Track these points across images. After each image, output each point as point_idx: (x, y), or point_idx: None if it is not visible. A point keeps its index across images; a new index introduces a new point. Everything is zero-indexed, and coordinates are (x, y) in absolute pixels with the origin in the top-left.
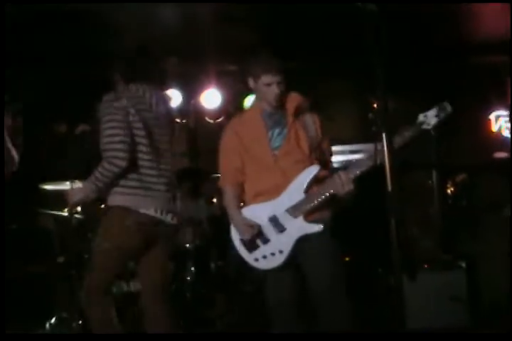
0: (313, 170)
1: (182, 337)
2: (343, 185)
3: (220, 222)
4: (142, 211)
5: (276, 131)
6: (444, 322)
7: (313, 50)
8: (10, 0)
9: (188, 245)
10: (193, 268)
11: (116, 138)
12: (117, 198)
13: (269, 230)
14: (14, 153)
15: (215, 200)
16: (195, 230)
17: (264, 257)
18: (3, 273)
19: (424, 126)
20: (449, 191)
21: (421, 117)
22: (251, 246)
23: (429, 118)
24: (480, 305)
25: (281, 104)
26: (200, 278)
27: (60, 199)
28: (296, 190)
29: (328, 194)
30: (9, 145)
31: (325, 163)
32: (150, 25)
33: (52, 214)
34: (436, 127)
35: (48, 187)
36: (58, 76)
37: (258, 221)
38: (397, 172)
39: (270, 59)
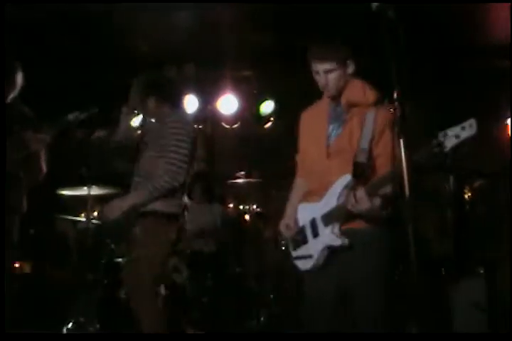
0: (345, 179)
1: (183, 337)
2: (355, 204)
3: (237, 227)
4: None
5: (335, 126)
6: (464, 329)
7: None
8: (10, 0)
9: (205, 251)
10: (209, 274)
11: (183, 158)
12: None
13: (308, 232)
14: (44, 165)
15: (231, 205)
16: (212, 236)
17: (301, 258)
18: (3, 273)
19: (437, 150)
20: (466, 196)
21: (440, 136)
22: (294, 243)
23: (448, 138)
24: (499, 311)
25: (338, 95)
26: (217, 284)
27: (77, 204)
28: (331, 197)
29: (346, 209)
30: (43, 160)
31: (371, 168)
32: (166, 31)
33: (70, 219)
34: (453, 149)
35: (66, 192)
36: (74, 81)
37: (302, 221)
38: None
39: (319, 45)
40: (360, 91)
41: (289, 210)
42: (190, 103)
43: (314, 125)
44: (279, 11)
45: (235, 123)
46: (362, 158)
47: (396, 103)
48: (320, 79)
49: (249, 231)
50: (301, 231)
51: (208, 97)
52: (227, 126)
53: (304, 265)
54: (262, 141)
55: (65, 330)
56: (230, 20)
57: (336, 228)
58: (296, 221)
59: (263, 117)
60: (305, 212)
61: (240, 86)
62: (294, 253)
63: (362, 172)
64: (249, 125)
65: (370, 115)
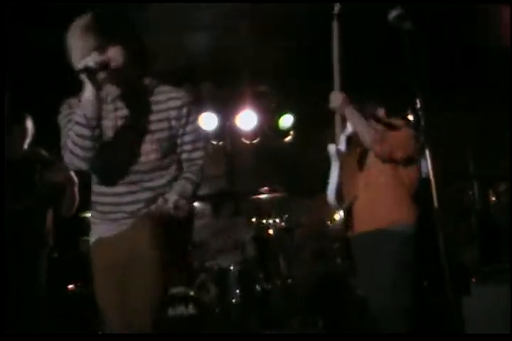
0: None
1: (183, 337)
2: None
3: (263, 243)
4: None
5: None
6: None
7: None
8: (10, 0)
9: (231, 267)
10: (237, 291)
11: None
12: None
13: None
14: (77, 195)
15: (254, 220)
16: (238, 252)
17: None
18: (3, 273)
19: None
20: (490, 201)
21: None
22: None
23: None
24: None
25: None
26: (245, 301)
27: None
28: None
29: None
30: (75, 191)
31: None
32: (183, 50)
33: None
34: None
35: (88, 215)
36: None
37: None
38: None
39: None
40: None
41: None
42: (209, 120)
43: None
44: (294, 25)
45: (255, 139)
46: None
47: (420, 113)
48: None
49: (275, 245)
50: None
51: (226, 114)
52: (247, 142)
53: None
54: (282, 155)
55: None
56: (246, 34)
57: None
58: None
59: (283, 131)
60: None
61: (258, 101)
62: None
63: None
64: (269, 139)
65: None
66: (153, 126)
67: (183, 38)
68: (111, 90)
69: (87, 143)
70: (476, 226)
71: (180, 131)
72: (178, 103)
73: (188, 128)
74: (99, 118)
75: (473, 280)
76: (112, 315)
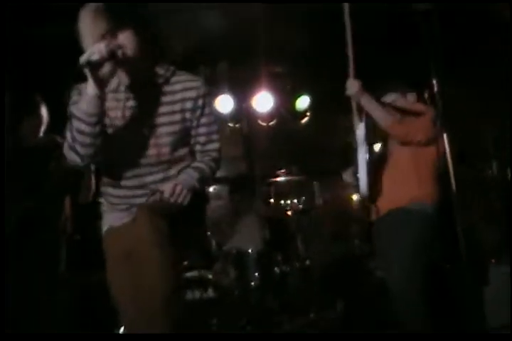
0: None
1: (184, 337)
2: None
3: (281, 225)
4: None
5: None
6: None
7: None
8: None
9: (250, 250)
10: (256, 274)
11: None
12: None
13: None
14: (93, 183)
15: (271, 201)
16: (256, 234)
17: None
18: (3, 273)
19: None
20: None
21: None
22: None
23: None
24: None
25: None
26: (264, 283)
27: None
28: None
29: None
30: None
31: None
32: (199, 29)
33: None
34: None
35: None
36: None
37: None
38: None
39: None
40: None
41: None
42: (225, 102)
43: None
44: (312, 7)
45: (272, 121)
46: None
47: (437, 97)
48: None
49: (293, 227)
50: None
51: (242, 96)
52: (264, 124)
53: None
54: (299, 137)
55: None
56: (263, 16)
57: None
58: None
59: (299, 113)
60: None
61: (274, 82)
62: None
63: None
64: (285, 121)
65: None
66: (165, 119)
67: (198, 18)
68: (123, 78)
69: (87, 140)
70: (496, 207)
71: (195, 122)
72: (193, 94)
73: (203, 120)
74: (101, 114)
75: (493, 261)
76: (125, 304)
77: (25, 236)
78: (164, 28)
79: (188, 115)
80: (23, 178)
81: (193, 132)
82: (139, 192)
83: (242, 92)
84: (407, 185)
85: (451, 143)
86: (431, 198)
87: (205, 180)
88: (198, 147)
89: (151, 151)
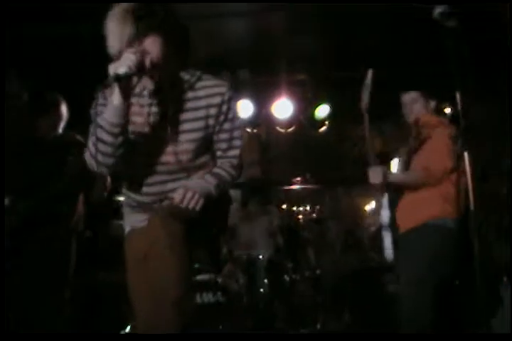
0: None
1: (185, 337)
2: None
3: (293, 232)
4: None
5: None
6: None
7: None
8: (10, 0)
9: (261, 256)
10: (266, 280)
11: None
12: None
13: None
14: (108, 183)
15: (284, 207)
16: (267, 241)
17: None
18: (3, 273)
19: None
20: None
21: None
22: None
23: None
24: None
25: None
26: (273, 291)
27: None
28: None
29: None
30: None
31: None
32: (223, 35)
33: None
34: None
35: (121, 198)
36: None
37: None
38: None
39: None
40: None
41: None
42: (245, 107)
43: None
44: (333, 14)
45: (290, 127)
46: None
47: (460, 113)
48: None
49: (305, 236)
50: None
51: (262, 102)
52: (282, 130)
53: None
54: (316, 145)
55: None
56: (285, 24)
57: None
58: None
59: (318, 121)
60: None
61: (295, 90)
62: None
63: None
64: (304, 129)
65: None
66: (188, 125)
67: (221, 24)
68: (148, 84)
69: (108, 150)
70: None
71: (217, 127)
72: (218, 100)
73: (226, 125)
74: (125, 124)
75: (505, 279)
76: (140, 304)
77: (36, 231)
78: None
79: (211, 121)
80: (36, 173)
81: (214, 137)
82: (159, 198)
83: (263, 98)
84: (429, 202)
85: (471, 160)
86: (453, 214)
87: (223, 186)
88: (219, 153)
89: (172, 158)
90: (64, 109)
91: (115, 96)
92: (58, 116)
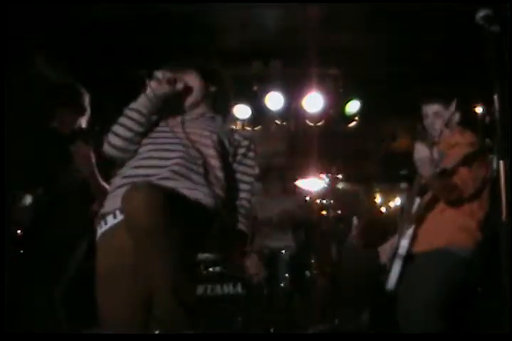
0: None
1: (185, 337)
2: None
3: (315, 227)
4: None
5: None
6: None
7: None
8: (10, 0)
9: (283, 251)
10: (286, 275)
11: None
12: None
13: None
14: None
15: (307, 199)
16: (289, 235)
17: None
18: (3, 273)
19: None
20: None
21: None
22: None
23: None
24: None
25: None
26: (293, 285)
27: None
28: None
29: None
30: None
31: None
32: (253, 27)
33: None
34: None
35: None
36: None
37: None
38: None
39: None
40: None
41: None
42: (276, 99)
43: None
44: (370, 11)
45: (319, 122)
46: None
47: (498, 121)
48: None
49: (328, 232)
50: None
51: (293, 95)
52: (311, 124)
53: None
54: (345, 141)
55: None
56: (320, 17)
57: None
58: None
59: (348, 116)
60: None
61: (326, 84)
62: None
63: None
64: (333, 124)
65: None
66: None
67: (254, 14)
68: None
69: (127, 134)
70: None
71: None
72: (246, 143)
73: (245, 161)
74: (149, 120)
75: None
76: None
77: (47, 227)
78: (222, 25)
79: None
80: (48, 165)
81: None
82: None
83: (294, 91)
84: (447, 227)
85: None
86: (470, 242)
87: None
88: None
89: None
90: (86, 101)
91: (149, 89)
92: (80, 109)
